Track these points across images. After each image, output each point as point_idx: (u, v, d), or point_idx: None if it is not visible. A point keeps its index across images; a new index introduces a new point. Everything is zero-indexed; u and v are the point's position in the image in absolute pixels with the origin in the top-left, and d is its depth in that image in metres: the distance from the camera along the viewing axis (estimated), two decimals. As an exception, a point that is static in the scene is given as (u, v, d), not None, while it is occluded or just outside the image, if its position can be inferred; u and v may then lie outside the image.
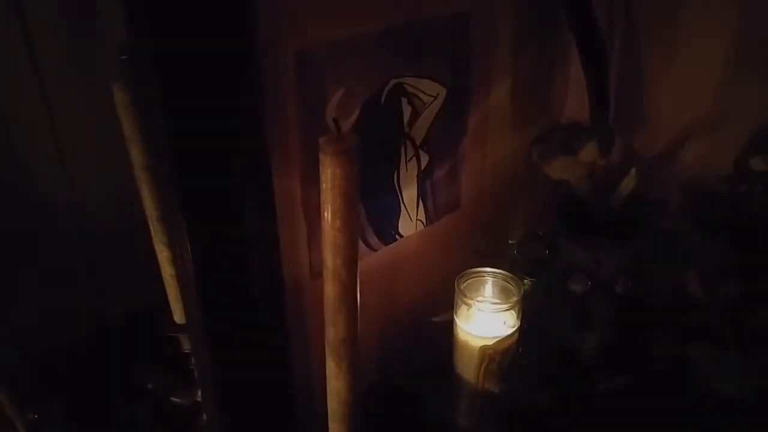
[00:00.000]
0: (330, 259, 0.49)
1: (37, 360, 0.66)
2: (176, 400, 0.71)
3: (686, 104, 0.83)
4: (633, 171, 0.82)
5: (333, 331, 0.52)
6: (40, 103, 0.61)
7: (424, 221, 0.80)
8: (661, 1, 0.82)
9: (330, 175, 0.46)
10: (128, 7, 0.48)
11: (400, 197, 0.75)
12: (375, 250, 0.75)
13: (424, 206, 0.79)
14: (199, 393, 0.68)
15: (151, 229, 0.65)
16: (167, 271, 0.66)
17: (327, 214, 0.47)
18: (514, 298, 0.70)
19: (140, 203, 0.63)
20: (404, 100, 0.71)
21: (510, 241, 0.85)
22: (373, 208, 0.73)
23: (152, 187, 0.63)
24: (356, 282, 0.50)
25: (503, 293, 0.72)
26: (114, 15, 0.52)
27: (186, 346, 0.69)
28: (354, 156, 0.46)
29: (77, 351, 0.69)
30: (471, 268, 0.73)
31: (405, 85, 0.70)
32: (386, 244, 0.76)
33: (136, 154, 0.62)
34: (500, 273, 0.73)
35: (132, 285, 0.68)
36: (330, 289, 0.50)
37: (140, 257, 0.66)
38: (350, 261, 0.49)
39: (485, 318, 0.70)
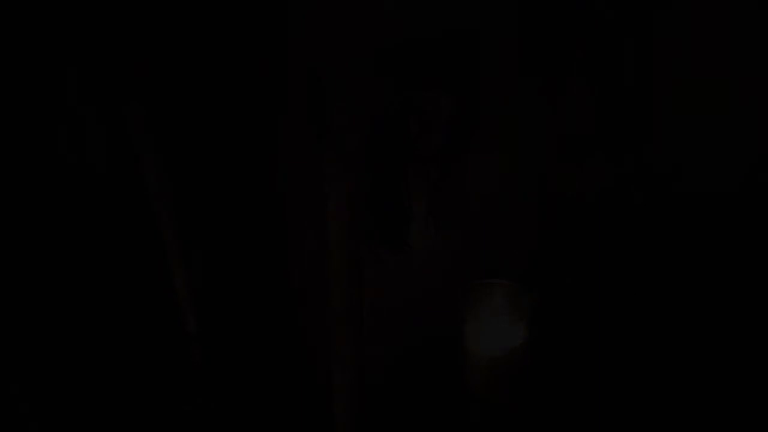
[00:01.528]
0: (334, 269, 0.49)
1: (48, 365, 0.68)
2: (189, 408, 0.72)
3: (693, 113, 0.83)
4: (639, 181, 0.82)
5: (339, 341, 0.53)
6: (62, 112, 0.63)
7: (433, 232, 0.80)
8: (669, 13, 0.82)
9: (334, 186, 0.46)
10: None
11: (409, 209, 0.76)
12: (384, 261, 0.76)
13: (433, 217, 0.79)
14: (212, 401, 0.69)
15: (165, 238, 0.66)
16: (181, 279, 0.67)
17: (331, 224, 0.48)
18: (524, 310, 0.70)
19: (155, 213, 0.65)
20: (412, 115, 0.71)
21: (517, 252, 0.85)
22: (382, 219, 0.73)
23: (167, 198, 0.64)
24: (362, 293, 0.51)
25: (513, 305, 0.72)
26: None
27: (198, 355, 0.70)
28: (358, 167, 0.47)
29: (91, 358, 0.70)
30: (480, 279, 0.73)
31: (413, 100, 0.71)
32: (395, 255, 0.77)
33: (153, 167, 0.63)
34: (510, 284, 0.73)
35: (146, 293, 0.69)
36: (335, 299, 0.51)
37: (154, 266, 0.67)
38: (354, 271, 0.50)
39: (494, 330, 0.70)
